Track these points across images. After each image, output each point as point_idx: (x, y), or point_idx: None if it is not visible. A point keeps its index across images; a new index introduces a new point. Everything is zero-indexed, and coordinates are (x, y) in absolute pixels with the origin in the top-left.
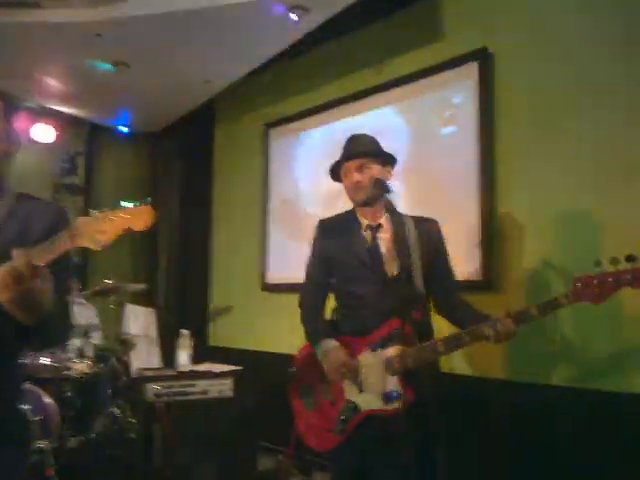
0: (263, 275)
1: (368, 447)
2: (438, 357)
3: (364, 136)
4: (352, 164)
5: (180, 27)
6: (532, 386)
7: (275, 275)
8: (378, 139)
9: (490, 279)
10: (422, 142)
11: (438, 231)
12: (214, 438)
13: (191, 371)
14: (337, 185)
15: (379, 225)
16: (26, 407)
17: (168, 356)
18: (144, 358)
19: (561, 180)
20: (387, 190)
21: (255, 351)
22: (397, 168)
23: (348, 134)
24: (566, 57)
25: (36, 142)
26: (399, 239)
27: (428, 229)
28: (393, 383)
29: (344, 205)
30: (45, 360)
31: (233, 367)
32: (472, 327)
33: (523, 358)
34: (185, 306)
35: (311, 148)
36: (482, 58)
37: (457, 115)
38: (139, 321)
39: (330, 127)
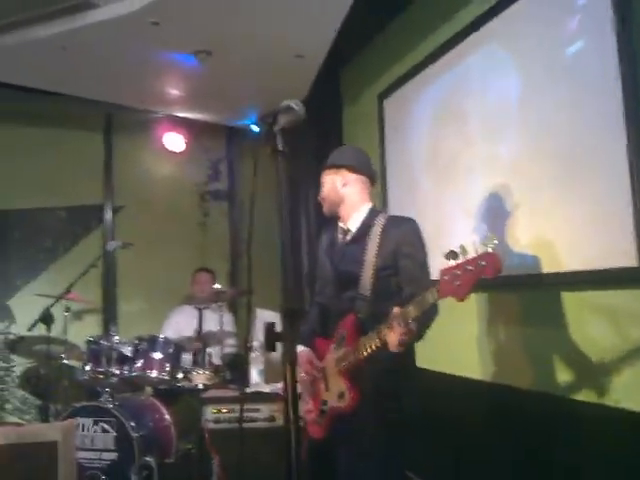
0: None
1: (338, 438)
2: (364, 359)
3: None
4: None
5: None
6: None
7: None
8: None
9: None
10: (540, 73)
11: (409, 231)
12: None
13: (255, 392)
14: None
15: (348, 229)
16: (132, 424)
17: None
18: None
19: None
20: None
21: None
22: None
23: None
24: None
25: (178, 153)
26: (357, 241)
27: (396, 230)
28: (342, 382)
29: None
30: (155, 373)
31: None
32: (376, 329)
33: None
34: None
35: (423, 116)
36: None
37: (586, 23)
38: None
39: (437, 84)
